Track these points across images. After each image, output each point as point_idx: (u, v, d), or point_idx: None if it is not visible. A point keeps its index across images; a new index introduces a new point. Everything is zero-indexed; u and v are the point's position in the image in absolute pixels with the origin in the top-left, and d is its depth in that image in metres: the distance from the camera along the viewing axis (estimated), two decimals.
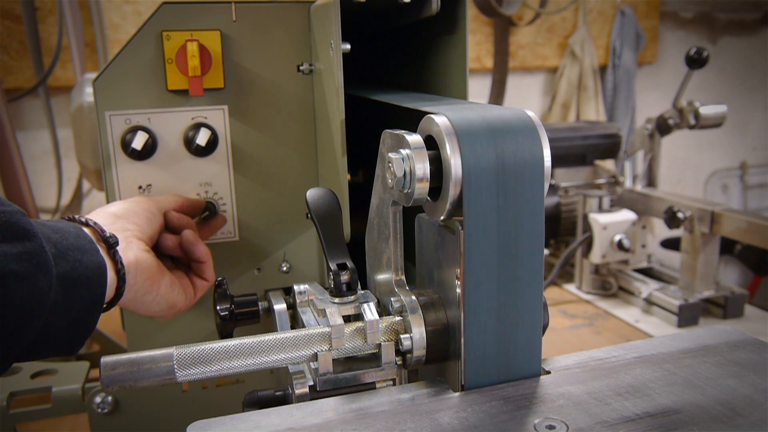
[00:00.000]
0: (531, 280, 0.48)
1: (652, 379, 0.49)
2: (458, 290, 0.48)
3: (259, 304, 0.69)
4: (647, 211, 1.44)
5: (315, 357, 0.51)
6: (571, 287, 1.53)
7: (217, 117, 0.79)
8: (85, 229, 0.57)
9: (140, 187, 0.78)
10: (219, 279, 0.65)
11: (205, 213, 0.79)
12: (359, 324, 0.52)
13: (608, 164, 1.74)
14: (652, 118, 1.48)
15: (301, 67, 0.80)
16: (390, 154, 0.48)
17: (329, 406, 0.47)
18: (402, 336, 0.51)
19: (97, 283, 0.54)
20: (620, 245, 1.40)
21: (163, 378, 0.49)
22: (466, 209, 0.45)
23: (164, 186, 0.79)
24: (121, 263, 0.58)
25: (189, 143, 0.78)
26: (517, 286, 0.48)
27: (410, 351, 0.51)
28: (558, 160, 1.59)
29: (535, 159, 0.46)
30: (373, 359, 0.53)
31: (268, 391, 0.57)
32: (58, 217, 1.79)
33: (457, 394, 0.48)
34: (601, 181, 1.63)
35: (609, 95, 2.47)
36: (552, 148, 0.47)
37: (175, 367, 0.49)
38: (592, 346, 1.22)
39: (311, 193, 0.59)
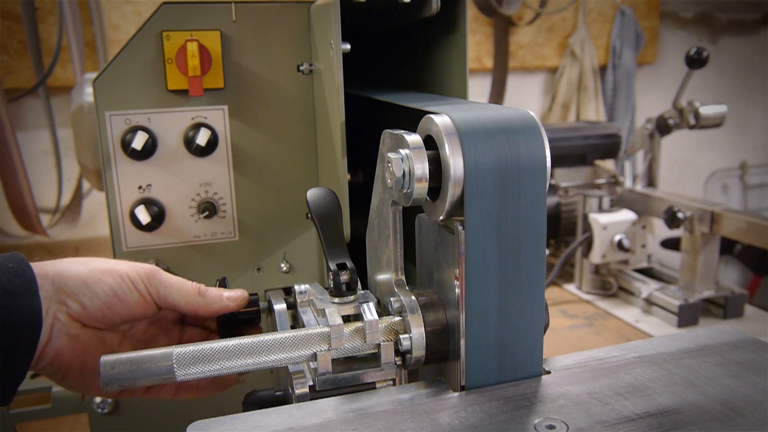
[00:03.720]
0: (532, 280, 0.48)
1: (652, 379, 0.49)
2: (457, 290, 0.47)
3: (260, 303, 0.69)
4: (647, 211, 1.44)
5: (314, 357, 0.51)
6: (571, 287, 1.53)
7: (217, 117, 0.79)
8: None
9: (140, 187, 0.78)
10: (220, 279, 0.65)
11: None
12: (359, 324, 0.52)
13: (608, 164, 1.74)
14: (652, 118, 1.48)
15: (301, 67, 0.80)
16: (389, 154, 0.48)
17: (329, 406, 0.47)
18: (401, 336, 0.51)
19: (28, 331, 0.49)
20: (620, 245, 1.40)
21: (163, 377, 0.49)
22: (467, 209, 0.45)
23: (164, 186, 0.79)
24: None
25: (189, 143, 0.78)
26: (518, 286, 0.48)
27: (409, 351, 0.51)
28: (558, 160, 1.59)
29: (537, 159, 0.46)
30: (373, 359, 0.53)
31: (268, 391, 0.57)
32: (58, 217, 1.79)
33: (456, 394, 0.48)
34: (601, 181, 1.63)
35: (609, 95, 2.47)
36: (552, 148, 0.47)
37: (175, 366, 0.49)
38: (592, 346, 1.21)
39: (311, 193, 0.59)
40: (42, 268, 0.53)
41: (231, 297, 0.61)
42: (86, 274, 0.54)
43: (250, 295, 0.64)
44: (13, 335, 0.49)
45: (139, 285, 0.56)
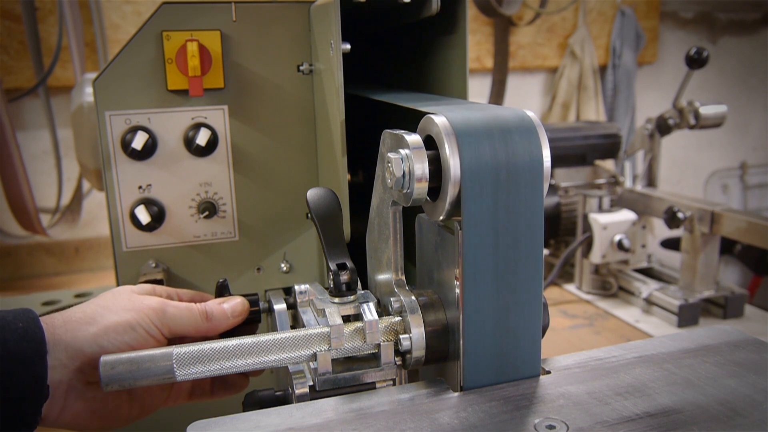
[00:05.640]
0: (530, 280, 0.48)
1: (652, 379, 0.49)
2: (457, 290, 0.48)
3: (260, 303, 0.69)
4: (647, 211, 1.44)
5: (314, 357, 0.51)
6: (571, 287, 1.53)
7: (217, 117, 0.79)
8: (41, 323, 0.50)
9: (140, 187, 0.78)
10: (221, 281, 0.65)
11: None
12: (358, 324, 0.52)
13: (608, 164, 1.74)
14: (652, 118, 1.48)
15: (301, 67, 0.80)
16: (389, 154, 0.48)
17: (329, 406, 0.47)
18: (401, 336, 0.51)
19: (31, 401, 0.48)
20: (620, 245, 1.40)
21: (163, 377, 0.49)
22: (464, 209, 0.45)
23: (164, 186, 0.79)
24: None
25: (189, 143, 0.78)
26: (516, 286, 0.48)
27: (409, 351, 0.51)
28: (558, 160, 1.59)
29: (534, 159, 0.46)
30: (373, 359, 0.53)
31: (268, 391, 0.57)
32: (58, 217, 1.79)
33: (456, 394, 0.48)
34: (601, 181, 1.63)
35: (609, 95, 2.47)
36: (552, 148, 0.47)
37: (175, 366, 0.49)
38: (592, 346, 1.21)
39: (311, 193, 0.59)
40: (54, 332, 0.52)
41: (235, 312, 0.61)
42: (101, 335, 0.53)
43: (251, 295, 0.64)
44: (15, 404, 0.47)
45: (153, 330, 0.56)
